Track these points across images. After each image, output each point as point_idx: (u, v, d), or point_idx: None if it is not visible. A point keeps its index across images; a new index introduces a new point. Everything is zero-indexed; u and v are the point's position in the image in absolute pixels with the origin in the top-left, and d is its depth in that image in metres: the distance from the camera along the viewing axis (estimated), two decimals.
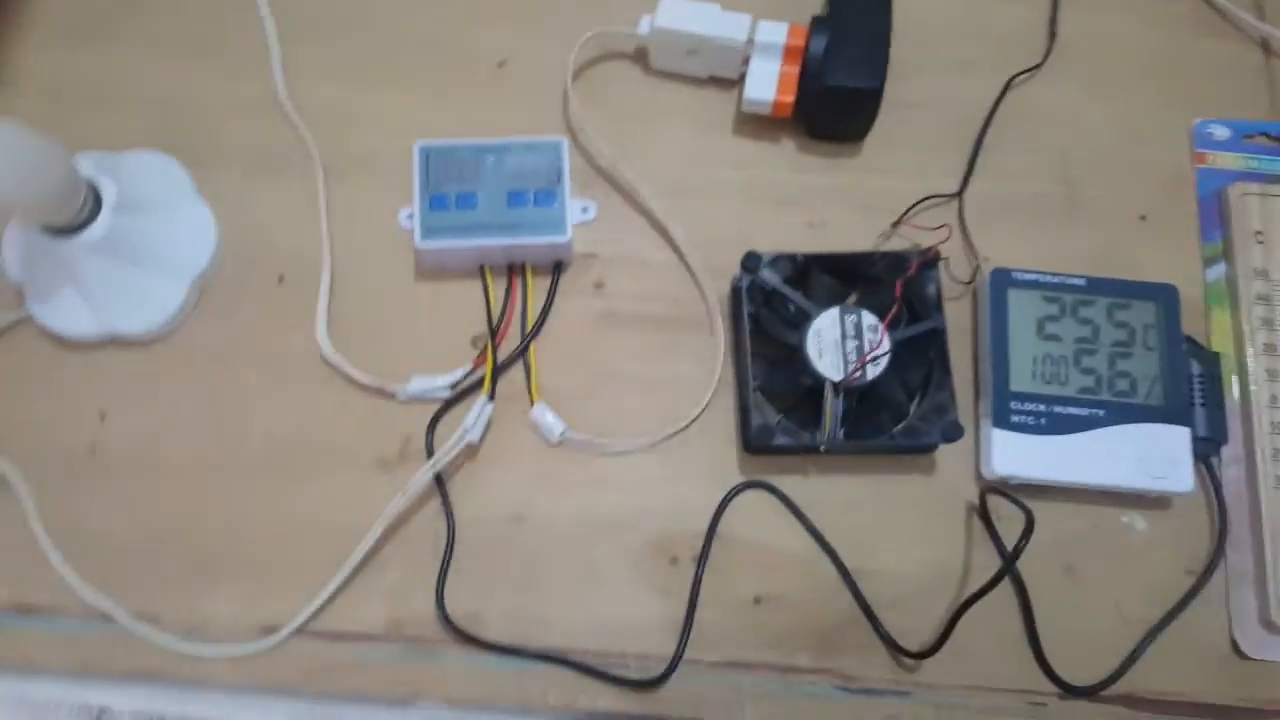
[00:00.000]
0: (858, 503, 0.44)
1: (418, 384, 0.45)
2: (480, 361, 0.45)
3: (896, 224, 0.47)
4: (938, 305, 0.45)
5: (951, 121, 0.50)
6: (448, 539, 0.43)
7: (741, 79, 0.49)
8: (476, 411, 0.44)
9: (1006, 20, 0.52)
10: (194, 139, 0.48)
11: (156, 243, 0.44)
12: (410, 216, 0.47)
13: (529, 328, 0.46)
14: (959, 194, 0.48)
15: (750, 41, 0.46)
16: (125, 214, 0.42)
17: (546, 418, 0.44)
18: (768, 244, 0.45)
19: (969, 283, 0.47)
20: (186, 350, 0.46)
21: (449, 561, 0.43)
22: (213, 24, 0.51)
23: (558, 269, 0.47)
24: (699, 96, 0.50)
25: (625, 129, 0.48)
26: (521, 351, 0.46)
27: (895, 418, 0.44)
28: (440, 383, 0.45)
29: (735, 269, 0.46)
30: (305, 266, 0.47)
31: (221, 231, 0.46)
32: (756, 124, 0.49)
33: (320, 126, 0.49)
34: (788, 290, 0.44)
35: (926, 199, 0.48)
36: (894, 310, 0.42)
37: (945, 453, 0.45)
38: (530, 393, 0.45)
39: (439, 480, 0.44)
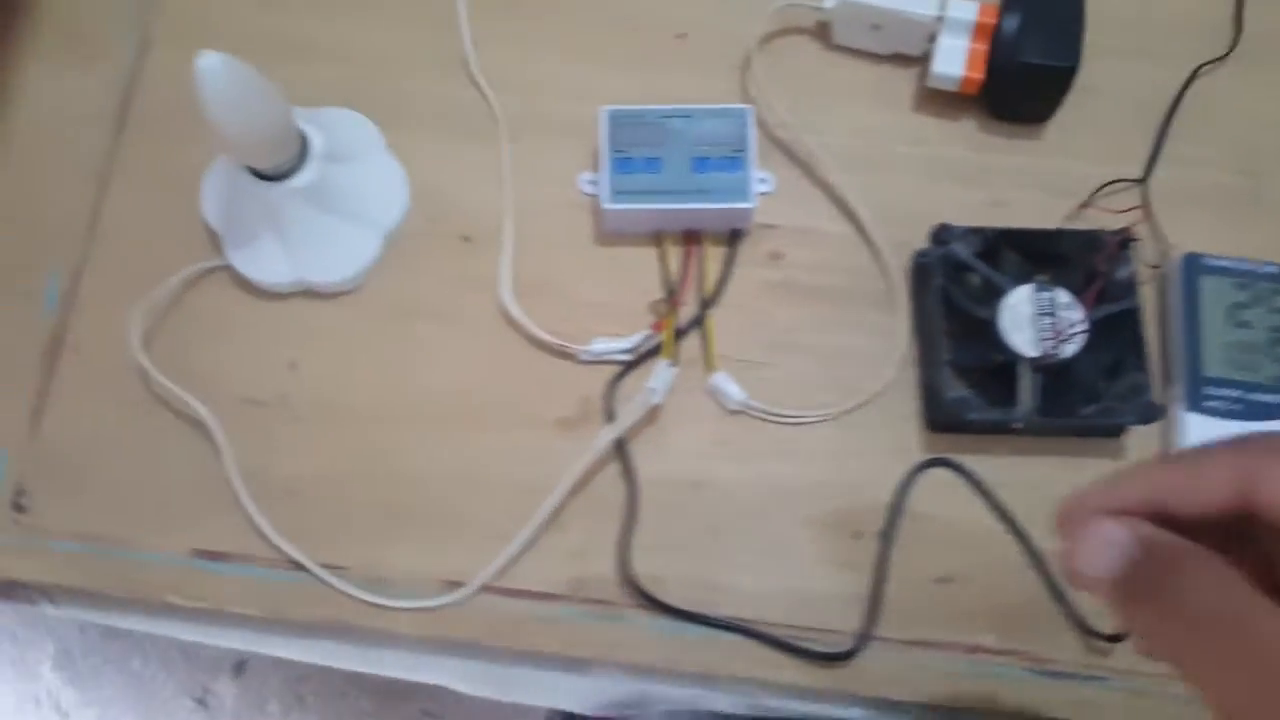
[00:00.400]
0: (1044, 482, 0.43)
1: (600, 345, 0.45)
2: (659, 327, 0.45)
3: (1084, 205, 0.47)
4: (1133, 286, 0.44)
5: (1131, 108, 0.49)
6: (630, 502, 0.43)
7: (924, 56, 0.48)
8: (661, 374, 0.44)
9: (1188, 9, 0.51)
10: (380, 98, 0.48)
11: (355, 195, 0.44)
12: (591, 181, 0.48)
13: (706, 295, 0.46)
14: (1143, 179, 0.48)
15: (940, 18, 0.46)
16: (329, 164, 0.43)
17: (729, 386, 0.44)
18: (950, 220, 0.45)
19: (1156, 267, 0.46)
20: (373, 304, 0.46)
21: (633, 524, 0.43)
22: None
23: (735, 237, 0.47)
24: (878, 72, 0.49)
25: (803, 103, 0.48)
26: (699, 319, 0.46)
27: (1086, 398, 0.43)
28: (622, 345, 0.45)
29: (916, 244, 0.46)
30: (488, 227, 0.47)
31: (410, 189, 0.47)
32: (937, 101, 0.49)
33: (503, 90, 0.49)
34: (980, 265, 0.44)
35: (1114, 182, 0.47)
36: (1098, 285, 0.42)
37: (1133, 436, 0.44)
38: (709, 360, 0.45)
39: (619, 443, 0.44)
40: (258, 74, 0.37)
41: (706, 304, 0.46)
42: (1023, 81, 0.46)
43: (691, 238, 0.47)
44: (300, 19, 0.51)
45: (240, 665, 1.13)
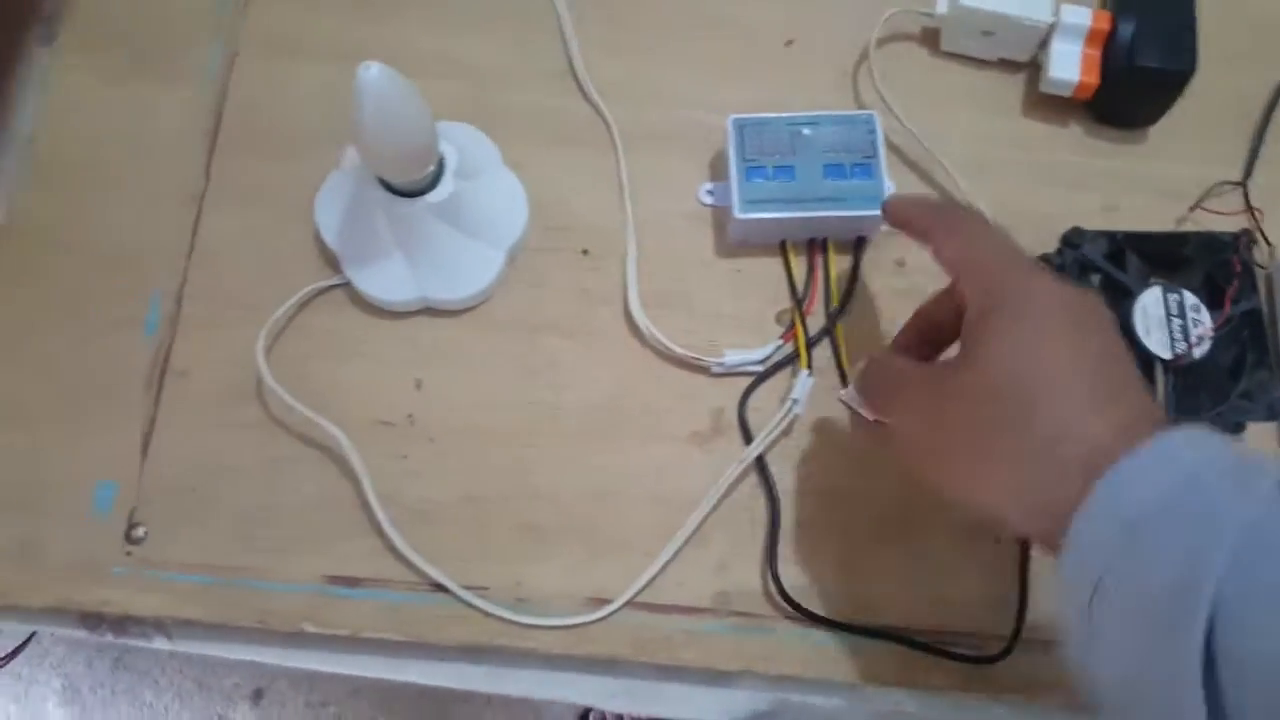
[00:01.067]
0: None
1: (732, 357, 0.44)
2: (789, 337, 0.45)
3: (1194, 207, 0.48)
4: (1252, 286, 0.45)
5: (1229, 110, 0.50)
6: (772, 514, 0.43)
7: (1031, 61, 0.49)
8: (802, 385, 0.43)
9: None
10: (489, 111, 0.47)
11: (481, 211, 0.43)
12: (710, 192, 0.47)
13: (833, 304, 0.46)
14: (1243, 181, 0.49)
15: (1053, 23, 0.47)
16: (459, 179, 0.41)
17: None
18: (1068, 225, 0.46)
19: (1262, 267, 0.47)
20: (496, 320, 0.45)
21: (777, 536, 0.42)
22: None
23: (860, 244, 0.47)
24: (986, 78, 0.50)
25: (913, 109, 0.48)
26: (829, 328, 0.46)
27: (1213, 396, 0.44)
28: (754, 356, 0.44)
29: (1033, 248, 0.46)
30: (606, 240, 0.46)
31: (526, 206, 0.46)
32: (1046, 106, 0.49)
33: (612, 101, 0.48)
34: (1111, 267, 0.44)
35: (1220, 184, 0.48)
36: (1233, 288, 0.43)
37: (1252, 432, 0.45)
38: (841, 369, 0.45)
39: (759, 457, 0.43)
40: (414, 87, 0.36)
41: (835, 314, 0.46)
42: (1138, 86, 0.46)
43: (816, 246, 0.46)
44: (395, 30, 0.49)
45: (258, 693, 1.10)
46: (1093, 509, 0.30)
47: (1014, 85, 0.50)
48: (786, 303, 0.46)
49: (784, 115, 0.46)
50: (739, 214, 0.44)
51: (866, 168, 0.45)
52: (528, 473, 0.43)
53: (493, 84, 0.49)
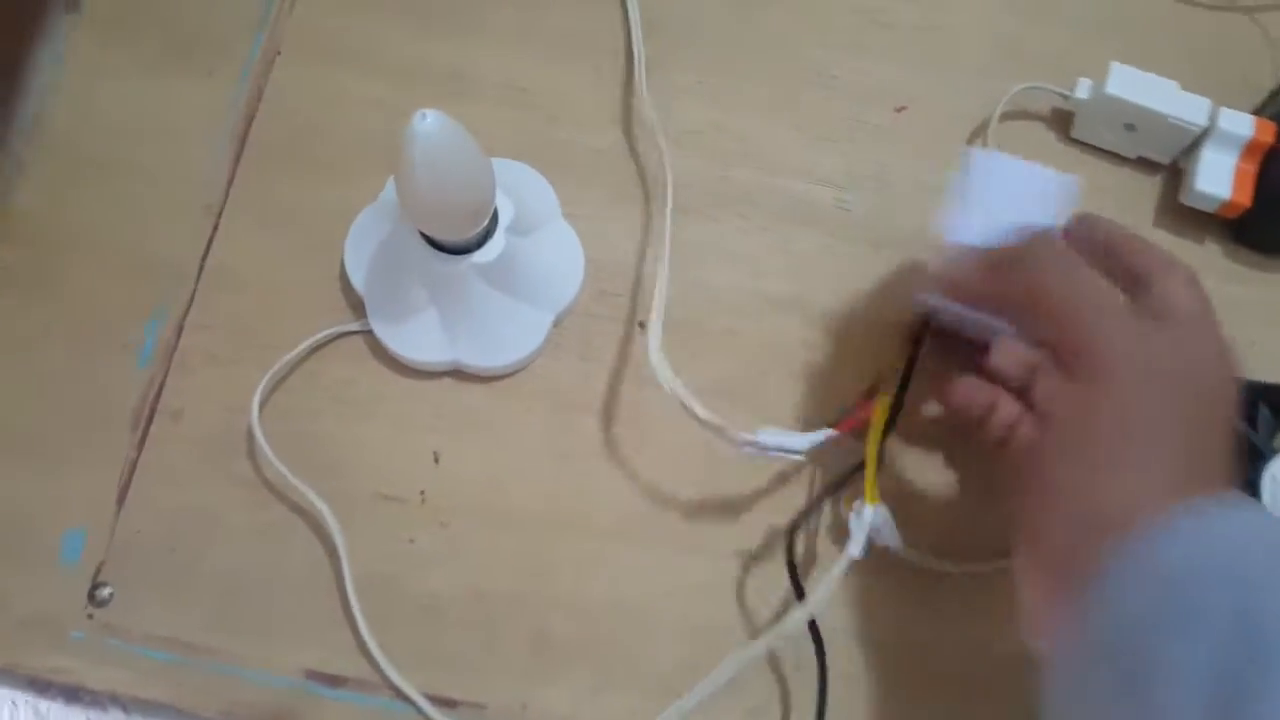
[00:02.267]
0: None
1: (769, 437, 0.36)
2: (847, 425, 0.38)
3: None
4: None
5: None
6: (821, 676, 0.36)
7: (1173, 166, 0.43)
8: (866, 520, 0.36)
9: None
10: (552, 149, 0.42)
11: (534, 270, 0.37)
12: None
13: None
14: None
15: (1208, 128, 0.41)
16: (513, 235, 0.36)
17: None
18: None
19: None
20: (533, 392, 0.39)
21: (825, 700, 0.37)
22: (572, 18, 0.45)
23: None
24: (1118, 176, 0.44)
25: None
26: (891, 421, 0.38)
27: None
28: (794, 443, 0.37)
29: None
30: (671, 310, 0.40)
31: (583, 265, 0.40)
32: (1181, 219, 0.43)
33: (689, 154, 0.43)
34: (1237, 421, 0.39)
35: None
36: None
37: None
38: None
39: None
40: (473, 140, 0.30)
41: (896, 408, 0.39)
42: None
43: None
44: (458, 48, 0.44)
45: None
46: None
47: (1148, 189, 0.44)
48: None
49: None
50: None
51: None
52: (548, 573, 0.38)
53: (559, 119, 0.43)
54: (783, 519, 0.39)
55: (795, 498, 0.39)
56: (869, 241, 0.42)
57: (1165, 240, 0.43)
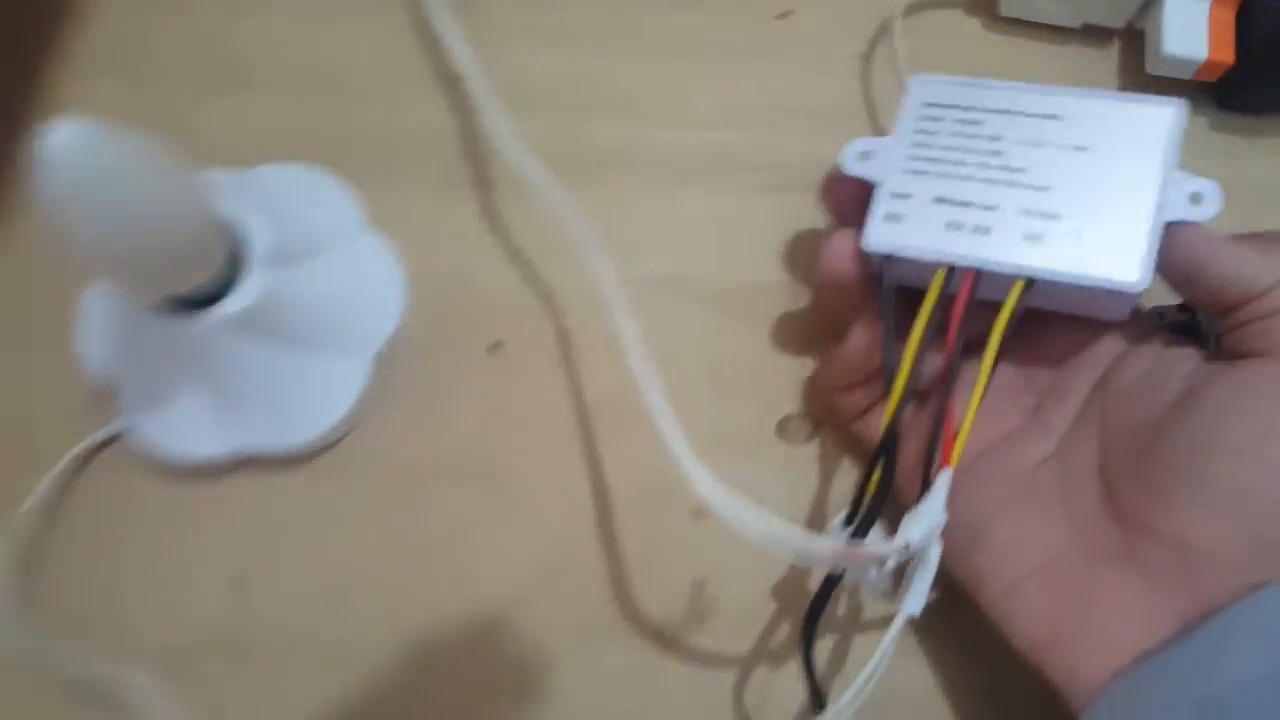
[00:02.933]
0: None
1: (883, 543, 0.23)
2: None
3: None
4: None
5: None
6: None
7: (1130, 28, 0.34)
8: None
9: None
10: (348, 140, 0.32)
11: (324, 309, 0.28)
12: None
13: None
14: None
15: None
16: (279, 269, 0.26)
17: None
18: None
19: None
20: (360, 464, 0.29)
21: None
22: None
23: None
24: (1065, 55, 0.34)
25: None
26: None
27: None
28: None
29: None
30: (530, 323, 0.31)
31: (405, 281, 0.30)
32: (1151, 91, 0.34)
33: (526, 112, 0.33)
34: None
35: None
36: None
37: None
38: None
39: None
40: (151, 150, 0.20)
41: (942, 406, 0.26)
42: None
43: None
44: (202, 19, 0.34)
45: None
46: None
47: (1104, 63, 0.35)
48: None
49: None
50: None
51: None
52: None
53: (360, 99, 0.33)
54: (770, 599, 0.29)
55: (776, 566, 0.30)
56: (772, 189, 0.33)
57: None
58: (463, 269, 0.31)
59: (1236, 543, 0.22)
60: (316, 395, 0.28)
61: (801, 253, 0.33)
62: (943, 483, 0.24)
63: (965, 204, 0.25)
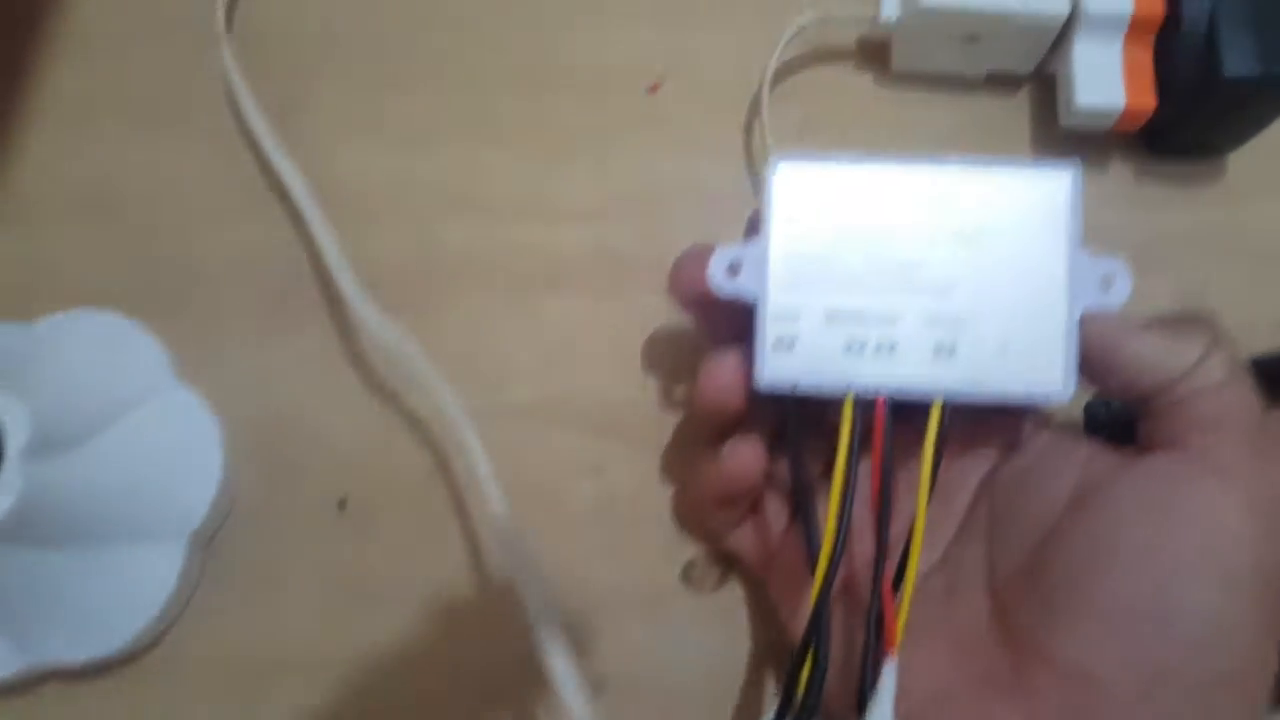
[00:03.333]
0: None
1: None
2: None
3: None
4: None
5: None
6: None
7: (1039, 73, 0.31)
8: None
9: None
10: (150, 274, 0.28)
11: (119, 490, 0.23)
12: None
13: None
14: None
15: (1074, 15, 0.28)
16: (52, 455, 0.22)
17: None
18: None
19: None
20: (191, 666, 0.25)
21: None
22: (158, 76, 0.30)
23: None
24: (971, 107, 0.31)
25: None
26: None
27: None
28: None
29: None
30: (379, 474, 0.27)
31: (224, 439, 0.26)
32: (1068, 143, 0.31)
33: (376, 225, 0.29)
34: None
35: None
36: None
37: None
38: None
39: None
40: None
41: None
42: (1223, 107, 0.28)
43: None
44: None
45: None
46: None
47: (1014, 115, 0.31)
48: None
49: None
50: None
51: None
52: None
53: (167, 225, 0.28)
54: None
55: None
56: (660, 287, 0.29)
57: None
58: (297, 414, 0.27)
59: (1129, 672, 0.19)
60: (123, 592, 0.24)
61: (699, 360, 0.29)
62: (889, 679, 0.20)
63: (861, 318, 0.22)
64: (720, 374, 0.22)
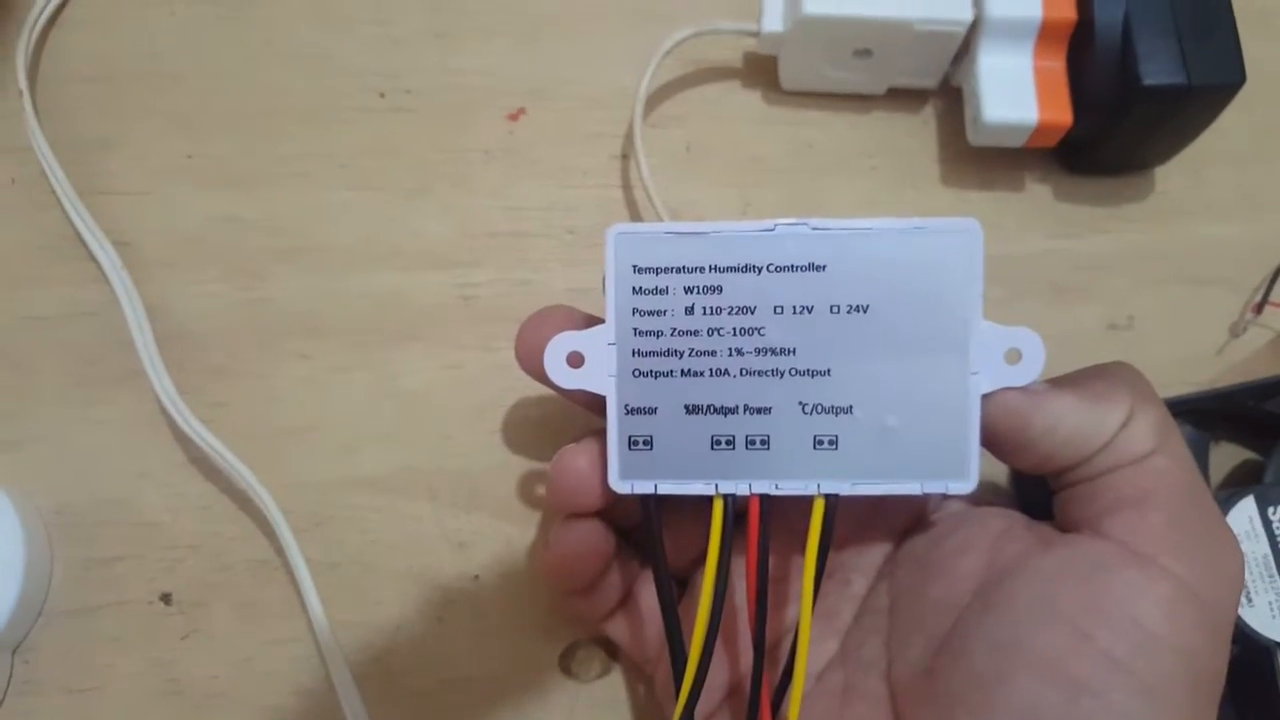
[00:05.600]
0: None
1: None
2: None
3: (1262, 304, 0.27)
4: None
5: (1255, 134, 0.30)
6: None
7: (945, 87, 0.28)
8: None
9: None
10: None
11: None
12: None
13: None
14: None
15: (979, 21, 0.25)
16: None
17: None
18: (1058, 364, 0.24)
19: None
20: None
21: None
22: None
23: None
24: (870, 125, 0.28)
25: (743, 195, 0.27)
26: None
27: None
28: None
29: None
30: (207, 565, 0.24)
31: (28, 531, 0.23)
32: (981, 166, 0.28)
33: (184, 279, 0.26)
34: None
35: None
36: None
37: None
38: None
39: None
40: None
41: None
42: (1142, 119, 0.25)
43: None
44: None
45: None
46: None
47: (919, 134, 0.28)
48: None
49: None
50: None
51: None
52: None
53: None
54: None
55: None
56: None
57: (971, 201, 0.28)
58: (114, 499, 0.24)
59: None
60: None
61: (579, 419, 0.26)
62: None
63: (727, 410, 0.19)
64: (572, 473, 0.19)
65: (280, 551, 0.24)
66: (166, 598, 0.24)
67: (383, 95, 0.27)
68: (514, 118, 0.27)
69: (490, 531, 0.25)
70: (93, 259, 0.25)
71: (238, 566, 0.24)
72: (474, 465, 0.25)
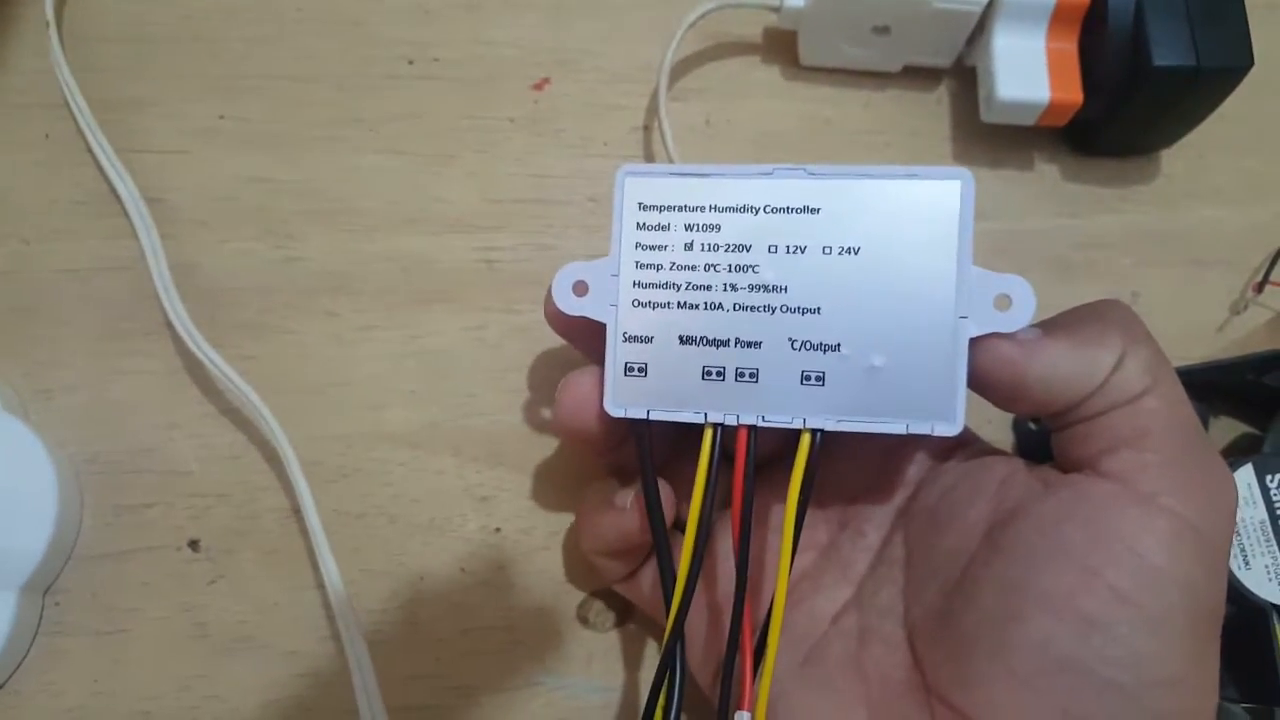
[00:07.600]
0: None
1: None
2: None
3: (1263, 283, 0.28)
4: None
5: (1263, 122, 0.31)
6: None
7: (959, 66, 0.29)
8: None
9: None
10: None
11: None
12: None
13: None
14: None
15: (993, 3, 0.26)
16: None
17: None
18: None
19: None
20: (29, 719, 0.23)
21: None
22: None
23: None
24: (885, 103, 0.29)
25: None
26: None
27: None
28: None
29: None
30: (234, 513, 0.24)
31: (61, 477, 0.24)
32: (992, 144, 0.29)
33: (227, 233, 0.26)
34: None
35: None
36: None
37: None
38: None
39: None
40: None
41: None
42: (1153, 100, 0.26)
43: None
44: None
45: None
46: None
47: (933, 111, 0.29)
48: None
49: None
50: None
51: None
52: None
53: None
54: None
55: None
56: (541, 303, 0.27)
57: (982, 180, 0.28)
58: (144, 449, 0.25)
59: None
60: None
61: None
62: None
63: (719, 343, 0.19)
64: (573, 397, 0.20)
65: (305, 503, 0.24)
66: (194, 544, 0.24)
67: (411, 63, 0.28)
68: (539, 88, 0.28)
69: (512, 486, 0.25)
70: (125, 215, 0.26)
71: (264, 515, 0.24)
72: (496, 423, 0.26)
